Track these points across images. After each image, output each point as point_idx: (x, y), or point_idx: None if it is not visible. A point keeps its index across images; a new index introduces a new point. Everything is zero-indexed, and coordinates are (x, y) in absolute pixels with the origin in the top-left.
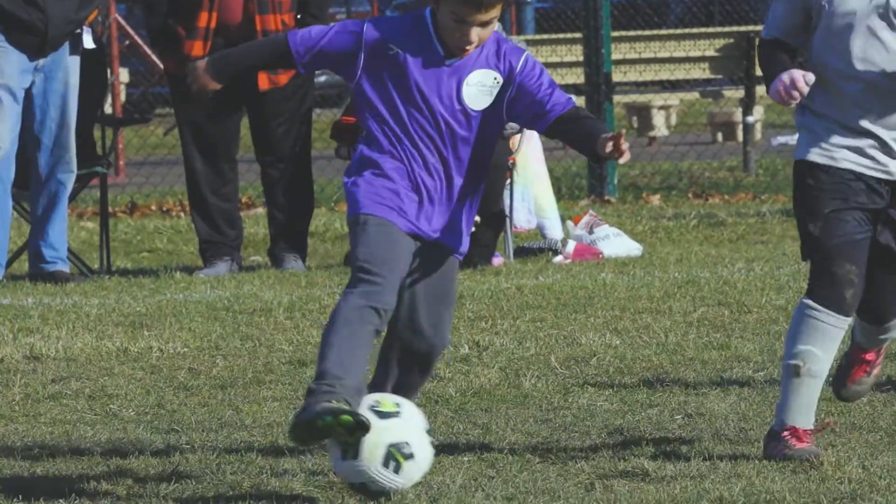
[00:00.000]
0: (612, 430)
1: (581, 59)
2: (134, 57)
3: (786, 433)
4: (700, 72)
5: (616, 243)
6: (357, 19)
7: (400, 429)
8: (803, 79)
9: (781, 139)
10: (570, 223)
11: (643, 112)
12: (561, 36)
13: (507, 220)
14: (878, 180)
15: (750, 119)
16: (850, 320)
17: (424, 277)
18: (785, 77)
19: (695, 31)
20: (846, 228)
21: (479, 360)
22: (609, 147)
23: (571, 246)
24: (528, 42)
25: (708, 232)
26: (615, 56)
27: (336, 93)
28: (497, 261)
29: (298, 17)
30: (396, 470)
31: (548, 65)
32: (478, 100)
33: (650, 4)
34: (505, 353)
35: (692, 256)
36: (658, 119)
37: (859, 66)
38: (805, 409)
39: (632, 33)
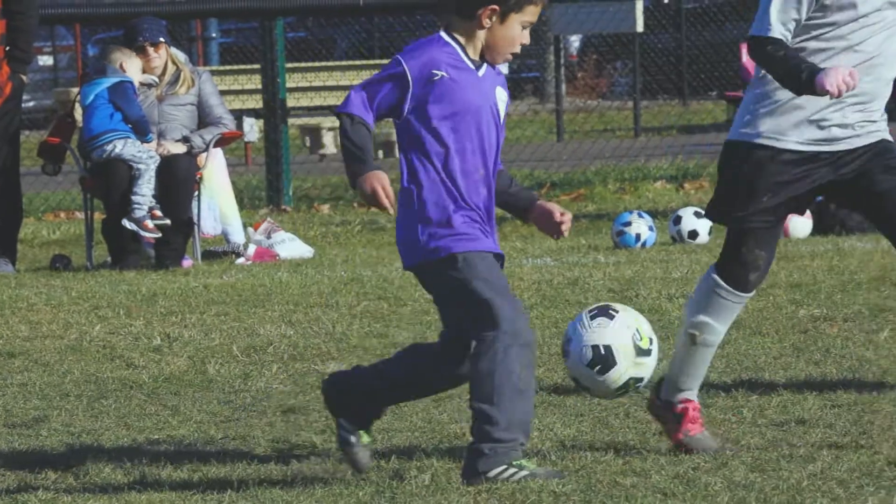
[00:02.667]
0: (286, 410)
1: (260, 87)
2: None
3: (681, 406)
4: None
5: (291, 247)
6: (393, 60)
7: (646, 368)
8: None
9: None
10: (250, 229)
11: (314, 133)
12: (242, 67)
13: (196, 227)
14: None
15: None
16: (748, 296)
17: None
18: (843, 71)
19: (358, 62)
20: (768, 217)
21: (169, 350)
22: (558, 229)
23: (252, 249)
24: (213, 72)
25: (370, 236)
26: (290, 84)
27: (43, 116)
28: (186, 263)
29: (7, 48)
30: (622, 395)
31: (230, 92)
32: (501, 111)
33: (320, 40)
34: (193, 344)
35: (357, 257)
36: (328, 138)
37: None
38: (695, 376)
39: (304, 65)
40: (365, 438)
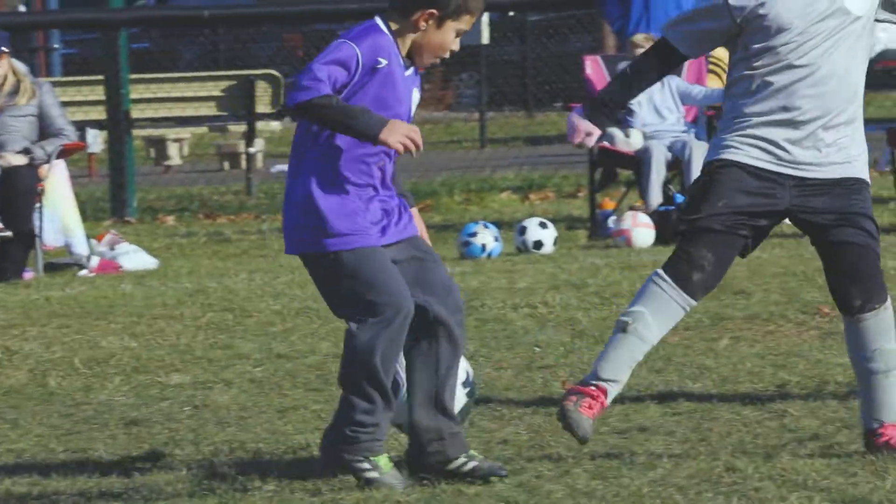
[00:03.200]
0: (129, 422)
1: (104, 98)
2: None
3: (592, 388)
4: (208, 109)
5: (135, 258)
6: (341, 43)
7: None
8: (585, 137)
9: (279, 167)
10: (93, 241)
11: (159, 144)
12: (85, 78)
13: (37, 239)
14: (784, 176)
15: (252, 150)
16: (691, 303)
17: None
18: (578, 122)
19: (203, 74)
20: (722, 223)
21: (9, 363)
22: None
23: (95, 261)
24: (56, 84)
25: (216, 247)
26: (134, 95)
27: None
28: (28, 275)
29: None
30: None
31: (73, 103)
32: (413, 112)
33: (163, 51)
34: (33, 356)
35: (201, 269)
36: (173, 150)
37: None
38: (614, 365)
39: (148, 76)
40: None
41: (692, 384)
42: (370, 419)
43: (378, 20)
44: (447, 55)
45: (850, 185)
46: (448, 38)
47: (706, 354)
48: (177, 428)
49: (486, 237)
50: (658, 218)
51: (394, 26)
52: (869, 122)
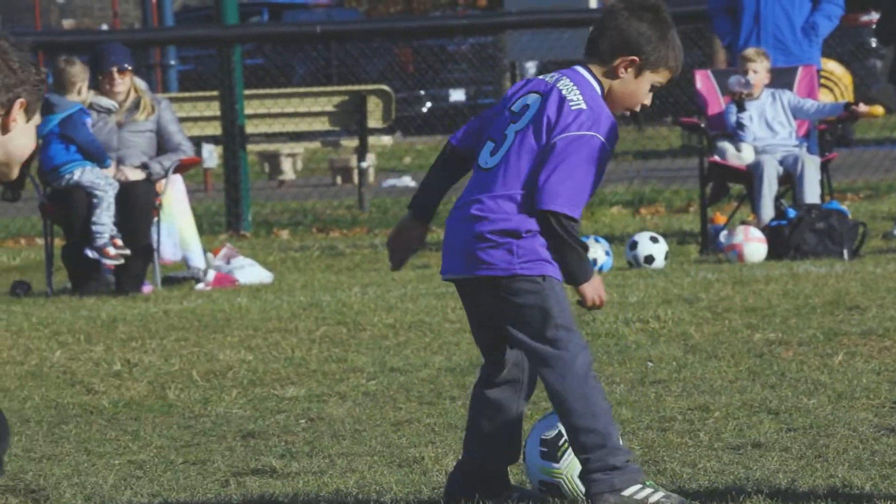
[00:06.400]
0: (245, 434)
1: (219, 113)
2: None
3: None
4: (321, 124)
5: (250, 272)
6: (593, 142)
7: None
8: None
9: (391, 181)
10: (210, 255)
11: (273, 159)
12: (201, 94)
13: (155, 253)
14: None
15: (363, 164)
16: None
17: None
18: None
19: (315, 89)
20: None
21: (129, 376)
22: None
23: (212, 275)
24: (173, 99)
25: (329, 261)
26: (248, 111)
27: None
28: (147, 288)
29: None
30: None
31: (189, 119)
32: None
33: (278, 67)
34: (153, 369)
35: (315, 282)
36: (286, 165)
37: None
38: None
39: (262, 91)
40: None
41: (807, 400)
42: (626, 447)
43: (594, 83)
44: (638, 109)
45: None
46: (643, 89)
47: (821, 370)
48: (293, 440)
49: (598, 251)
50: (770, 233)
51: (600, 76)
52: None
